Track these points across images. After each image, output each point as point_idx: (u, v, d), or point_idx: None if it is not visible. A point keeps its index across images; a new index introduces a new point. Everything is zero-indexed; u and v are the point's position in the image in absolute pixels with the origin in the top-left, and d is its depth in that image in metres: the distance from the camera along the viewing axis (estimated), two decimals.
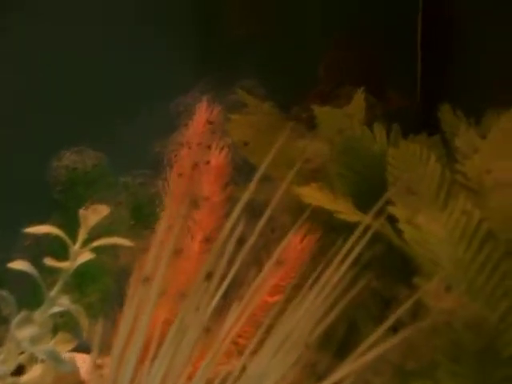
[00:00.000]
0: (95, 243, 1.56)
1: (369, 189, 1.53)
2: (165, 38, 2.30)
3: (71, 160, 2.22)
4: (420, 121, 2.20)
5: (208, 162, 1.89)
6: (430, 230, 1.43)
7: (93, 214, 1.55)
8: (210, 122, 2.03)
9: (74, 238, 2.09)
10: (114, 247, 1.72)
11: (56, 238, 1.64)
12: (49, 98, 2.31)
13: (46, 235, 1.57)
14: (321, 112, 1.55)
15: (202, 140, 2.01)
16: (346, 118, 1.54)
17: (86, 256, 1.58)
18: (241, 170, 1.99)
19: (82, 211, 1.54)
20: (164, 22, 2.32)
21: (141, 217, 2.07)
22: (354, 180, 1.52)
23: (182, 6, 2.31)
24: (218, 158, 1.90)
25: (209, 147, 1.90)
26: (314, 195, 1.45)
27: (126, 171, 2.24)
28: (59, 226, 2.21)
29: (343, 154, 1.49)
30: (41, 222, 2.20)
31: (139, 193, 2.11)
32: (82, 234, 1.56)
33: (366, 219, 1.43)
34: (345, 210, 1.42)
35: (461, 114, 1.68)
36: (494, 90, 2.22)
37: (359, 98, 1.79)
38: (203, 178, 1.91)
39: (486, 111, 1.81)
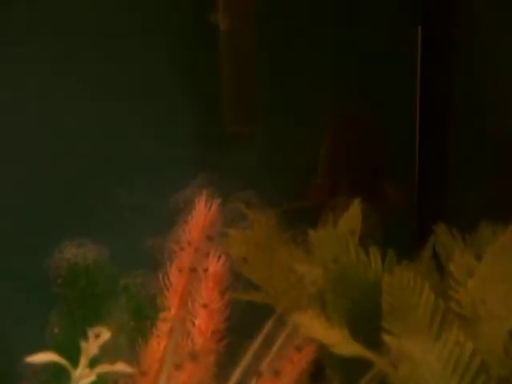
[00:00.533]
0: (97, 369, 1.58)
1: (364, 316, 1.54)
2: (164, 133, 2.35)
3: (72, 253, 2.24)
4: (417, 223, 2.23)
5: (206, 270, 1.92)
6: (424, 362, 1.45)
7: (94, 343, 1.57)
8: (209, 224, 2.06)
9: (74, 336, 2.13)
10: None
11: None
12: (49, 191, 2.35)
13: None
14: (316, 237, 1.57)
15: (200, 244, 2.03)
16: (342, 240, 1.56)
17: (88, 379, 1.60)
18: (239, 275, 2.02)
19: (83, 343, 1.55)
20: (164, 117, 2.36)
21: (142, 318, 2.09)
22: (350, 307, 1.54)
23: (181, 101, 2.35)
24: (215, 265, 1.93)
25: (207, 254, 1.93)
26: (310, 325, 1.47)
27: (125, 266, 2.26)
28: (59, 324, 2.27)
29: (338, 283, 1.52)
30: (41, 315, 2.25)
31: (140, 294, 2.13)
32: (82, 363, 1.58)
33: (361, 351, 1.45)
34: (340, 342, 1.44)
35: (456, 233, 1.71)
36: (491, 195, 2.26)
37: (355, 209, 1.82)
38: (202, 285, 1.94)
39: (482, 222, 1.84)
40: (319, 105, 2.36)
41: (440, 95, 2.30)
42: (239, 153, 2.35)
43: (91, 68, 2.32)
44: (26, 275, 2.28)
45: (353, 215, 1.79)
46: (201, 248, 2.17)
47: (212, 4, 2.24)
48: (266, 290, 1.74)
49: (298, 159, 2.36)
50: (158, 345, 2.00)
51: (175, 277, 2.15)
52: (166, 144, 2.35)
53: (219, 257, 1.98)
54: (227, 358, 1.78)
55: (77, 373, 1.59)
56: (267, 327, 1.93)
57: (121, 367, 1.63)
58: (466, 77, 2.33)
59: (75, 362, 1.62)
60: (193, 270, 1.96)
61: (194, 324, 1.93)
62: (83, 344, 1.59)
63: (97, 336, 1.62)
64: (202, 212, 2.20)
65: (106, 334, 1.64)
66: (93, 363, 1.73)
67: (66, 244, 2.35)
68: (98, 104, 2.33)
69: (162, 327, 2.09)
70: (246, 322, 2.18)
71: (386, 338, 1.44)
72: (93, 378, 1.64)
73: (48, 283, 2.25)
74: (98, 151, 2.37)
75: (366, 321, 1.56)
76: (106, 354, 1.88)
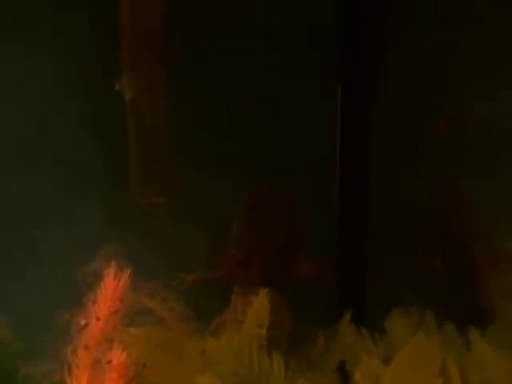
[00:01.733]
0: None
1: None
2: (73, 203, 2.26)
3: None
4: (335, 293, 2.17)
5: (110, 361, 1.84)
6: None
7: None
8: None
9: None
10: None
11: None
12: None
13: None
14: (216, 347, 1.50)
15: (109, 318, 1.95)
16: (244, 349, 1.49)
17: None
18: None
19: None
20: (73, 185, 2.27)
21: None
22: None
23: (90, 169, 2.26)
24: (119, 356, 1.85)
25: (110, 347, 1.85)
26: None
27: (30, 343, 2.16)
28: None
29: None
30: None
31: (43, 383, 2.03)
32: None
33: None
34: None
35: (365, 333, 1.65)
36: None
37: (263, 301, 1.75)
38: (106, 377, 1.86)
39: (393, 311, 1.79)
40: (234, 175, 2.28)
41: (359, 159, 2.25)
42: (150, 223, 2.27)
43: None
44: None
45: (260, 307, 1.73)
46: (109, 323, 2.13)
47: (117, 72, 2.15)
48: None
49: (212, 230, 2.29)
50: None
51: (83, 356, 2.09)
52: (74, 212, 2.28)
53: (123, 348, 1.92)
54: None
55: None
56: None
57: None
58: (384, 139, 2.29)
59: None
60: (97, 360, 1.90)
61: None
62: None
63: None
64: (111, 285, 2.14)
65: None
66: None
67: None
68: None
69: None
70: None
71: None
72: None
73: None
74: (5, 213, 2.27)
75: None
76: None
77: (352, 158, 2.24)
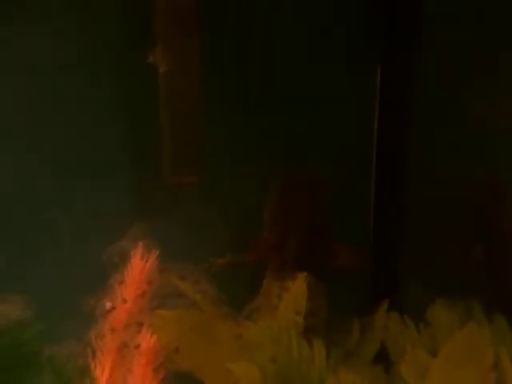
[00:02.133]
0: None
1: None
2: (100, 183, 2.19)
3: None
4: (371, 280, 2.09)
5: (138, 346, 1.77)
6: None
7: None
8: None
9: None
10: None
11: None
12: None
13: None
14: (253, 332, 1.42)
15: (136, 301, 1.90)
16: (282, 335, 1.41)
17: None
18: None
19: None
20: (100, 165, 2.21)
21: None
22: None
23: (119, 148, 2.19)
24: (149, 341, 1.78)
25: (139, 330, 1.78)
26: None
27: (57, 322, 2.10)
28: None
29: None
30: None
31: (66, 366, 1.96)
32: None
33: None
34: None
35: (410, 322, 1.57)
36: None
37: (300, 286, 1.67)
38: (134, 361, 1.79)
39: (436, 301, 1.71)
40: (268, 157, 2.20)
41: (396, 156, 2.15)
42: (180, 205, 2.19)
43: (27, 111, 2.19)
44: None
45: (298, 292, 1.64)
46: (136, 306, 2.06)
47: (151, 43, 2.07)
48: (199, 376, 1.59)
49: (244, 212, 2.21)
50: None
51: (108, 340, 2.02)
52: (101, 194, 2.21)
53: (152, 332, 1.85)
54: None
55: None
56: None
57: None
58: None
59: None
60: (125, 344, 1.83)
61: None
62: None
63: None
64: (138, 266, 2.07)
65: None
66: None
67: None
68: (32, 149, 2.19)
69: None
70: None
71: None
72: None
73: None
74: (29, 199, 2.21)
75: None
76: None
77: (390, 145, 2.15)
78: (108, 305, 1.98)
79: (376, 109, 2.12)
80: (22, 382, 2.08)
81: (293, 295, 1.65)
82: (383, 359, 1.71)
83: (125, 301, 1.93)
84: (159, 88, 2.08)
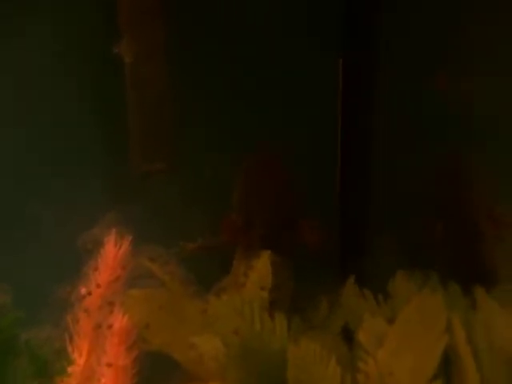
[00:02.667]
0: None
1: None
2: (72, 171, 2.24)
3: None
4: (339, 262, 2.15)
5: (111, 326, 1.82)
6: None
7: None
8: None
9: None
10: None
11: None
12: None
13: None
14: (216, 305, 1.48)
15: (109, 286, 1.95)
16: (246, 308, 1.47)
17: None
18: None
19: None
20: (72, 153, 2.26)
21: (46, 373, 1.97)
22: (253, 381, 1.45)
23: (90, 137, 2.24)
24: (121, 320, 1.84)
25: (111, 311, 1.84)
26: None
27: (33, 308, 2.14)
28: None
29: (241, 358, 1.43)
30: None
31: (43, 350, 2.01)
32: None
33: None
34: None
35: (368, 294, 1.63)
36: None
37: (264, 262, 1.74)
38: (107, 342, 1.84)
39: (396, 273, 1.77)
40: (234, 142, 2.26)
41: (361, 128, 2.22)
42: (151, 192, 2.25)
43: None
44: None
45: (262, 269, 1.71)
46: (110, 290, 2.12)
47: (116, 35, 2.12)
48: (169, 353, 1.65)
49: (212, 195, 2.27)
50: None
51: (83, 323, 2.07)
52: (74, 182, 2.26)
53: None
54: None
55: None
56: None
57: None
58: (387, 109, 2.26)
59: None
60: (98, 325, 1.89)
61: (100, 382, 1.85)
62: None
63: None
64: (112, 252, 2.12)
65: None
66: None
67: None
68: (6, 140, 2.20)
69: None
70: (155, 378, 2.11)
71: None
72: None
73: None
74: (2, 188, 2.22)
75: None
76: None
77: (354, 124, 2.22)
78: (83, 290, 2.04)
79: (340, 90, 2.19)
80: (2, 367, 2.13)
81: (257, 272, 1.71)
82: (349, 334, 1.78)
83: (99, 286, 1.99)
84: (125, 78, 2.14)
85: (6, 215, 2.27)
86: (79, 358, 1.91)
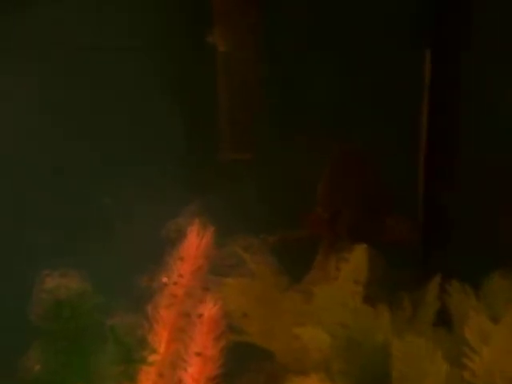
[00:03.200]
0: None
1: (372, 382, 1.44)
2: (157, 159, 2.25)
3: (55, 283, 2.12)
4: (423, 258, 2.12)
5: (201, 315, 1.81)
6: None
7: None
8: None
9: (57, 372, 2.02)
10: None
11: None
12: (31, 215, 2.24)
13: None
14: (321, 297, 1.46)
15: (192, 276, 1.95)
16: (348, 300, 1.45)
17: None
18: None
19: None
20: (157, 141, 2.26)
21: (130, 360, 1.97)
22: (357, 373, 1.43)
23: (176, 124, 2.24)
24: (211, 309, 1.82)
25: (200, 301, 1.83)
26: None
27: (111, 299, 2.15)
28: (40, 359, 2.15)
29: (345, 350, 1.41)
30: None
31: (127, 336, 2.00)
32: None
33: None
34: None
35: (470, 291, 1.60)
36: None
37: (360, 256, 1.71)
38: (196, 331, 1.83)
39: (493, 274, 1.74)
40: (320, 133, 2.25)
41: (448, 124, 2.19)
42: (234, 180, 2.24)
43: (83, 91, 2.22)
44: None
45: (357, 263, 1.69)
46: (193, 281, 2.11)
47: (210, 24, 2.12)
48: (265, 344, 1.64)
49: (297, 188, 2.25)
50: None
51: (165, 312, 2.07)
52: (157, 171, 2.26)
53: (214, 301, 1.89)
54: None
55: None
56: None
57: None
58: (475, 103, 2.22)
59: None
60: (185, 314, 1.88)
61: (186, 371, 1.84)
62: None
63: None
64: (195, 242, 2.12)
65: None
66: None
67: (46, 273, 2.22)
68: (89, 129, 2.23)
69: (151, 371, 2.01)
70: (240, 368, 2.10)
71: None
72: None
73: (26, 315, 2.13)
74: (89, 178, 2.25)
75: None
76: None
77: (441, 121, 2.19)
78: (165, 279, 2.04)
79: (425, 84, 2.17)
80: (87, 351, 2.14)
81: (352, 265, 1.69)
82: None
83: (181, 275, 1.99)
84: (217, 67, 2.13)
85: (94, 202, 2.30)
86: (159, 347, 1.91)
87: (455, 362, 1.44)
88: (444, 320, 1.71)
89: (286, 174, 2.26)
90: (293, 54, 2.22)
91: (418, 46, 2.19)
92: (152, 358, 1.86)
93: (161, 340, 1.93)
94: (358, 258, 1.71)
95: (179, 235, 2.12)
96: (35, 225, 2.24)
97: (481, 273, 1.90)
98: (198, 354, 1.79)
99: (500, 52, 2.23)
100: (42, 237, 2.22)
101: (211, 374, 1.74)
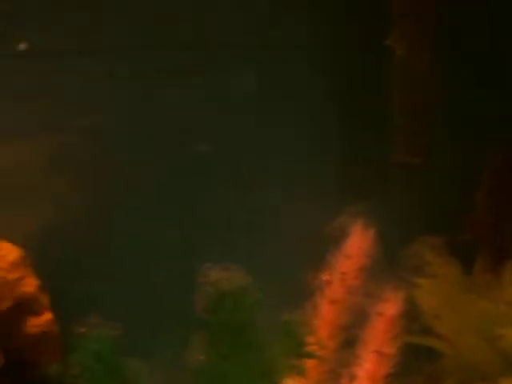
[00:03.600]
0: None
1: None
2: (322, 158, 2.28)
3: (217, 277, 2.15)
4: None
5: (381, 314, 1.83)
6: None
7: None
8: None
9: (219, 364, 2.05)
10: None
11: None
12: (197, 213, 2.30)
13: None
14: None
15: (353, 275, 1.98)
16: None
17: None
18: None
19: None
20: (325, 142, 2.28)
21: (300, 355, 1.99)
22: None
23: (346, 127, 2.28)
24: (391, 309, 1.84)
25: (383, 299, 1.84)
26: None
27: (275, 292, 2.17)
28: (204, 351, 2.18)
29: None
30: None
31: (299, 332, 2.03)
32: None
33: None
34: None
35: None
36: None
37: None
38: (373, 329, 1.85)
39: None
40: (488, 139, 2.24)
41: None
42: (398, 184, 2.25)
43: (250, 84, 2.26)
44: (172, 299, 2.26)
45: None
46: (354, 280, 2.13)
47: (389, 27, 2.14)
48: (453, 344, 1.64)
49: (461, 192, 2.24)
50: None
51: (327, 309, 2.09)
52: (323, 170, 2.28)
53: (394, 300, 1.91)
54: None
55: None
56: None
57: None
58: None
59: None
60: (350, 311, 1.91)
61: (362, 367, 1.86)
62: None
63: None
64: (357, 241, 2.13)
65: None
66: None
67: (209, 267, 2.25)
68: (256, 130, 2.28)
69: (319, 366, 2.04)
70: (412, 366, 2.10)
71: None
72: None
73: (191, 308, 2.17)
74: (252, 177, 2.30)
75: None
76: None
77: None
78: (326, 277, 2.06)
79: None
80: (250, 344, 2.16)
81: None
82: None
83: (344, 273, 2.01)
84: (394, 70, 2.14)
85: (256, 205, 2.32)
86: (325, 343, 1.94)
87: None
88: None
89: (451, 178, 2.26)
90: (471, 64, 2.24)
91: None
92: (321, 353, 1.90)
93: (323, 336, 1.96)
94: None
95: (342, 234, 2.15)
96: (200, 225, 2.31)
97: None
98: (376, 352, 1.82)
99: None
100: (208, 236, 2.29)
101: (386, 372, 1.77)
